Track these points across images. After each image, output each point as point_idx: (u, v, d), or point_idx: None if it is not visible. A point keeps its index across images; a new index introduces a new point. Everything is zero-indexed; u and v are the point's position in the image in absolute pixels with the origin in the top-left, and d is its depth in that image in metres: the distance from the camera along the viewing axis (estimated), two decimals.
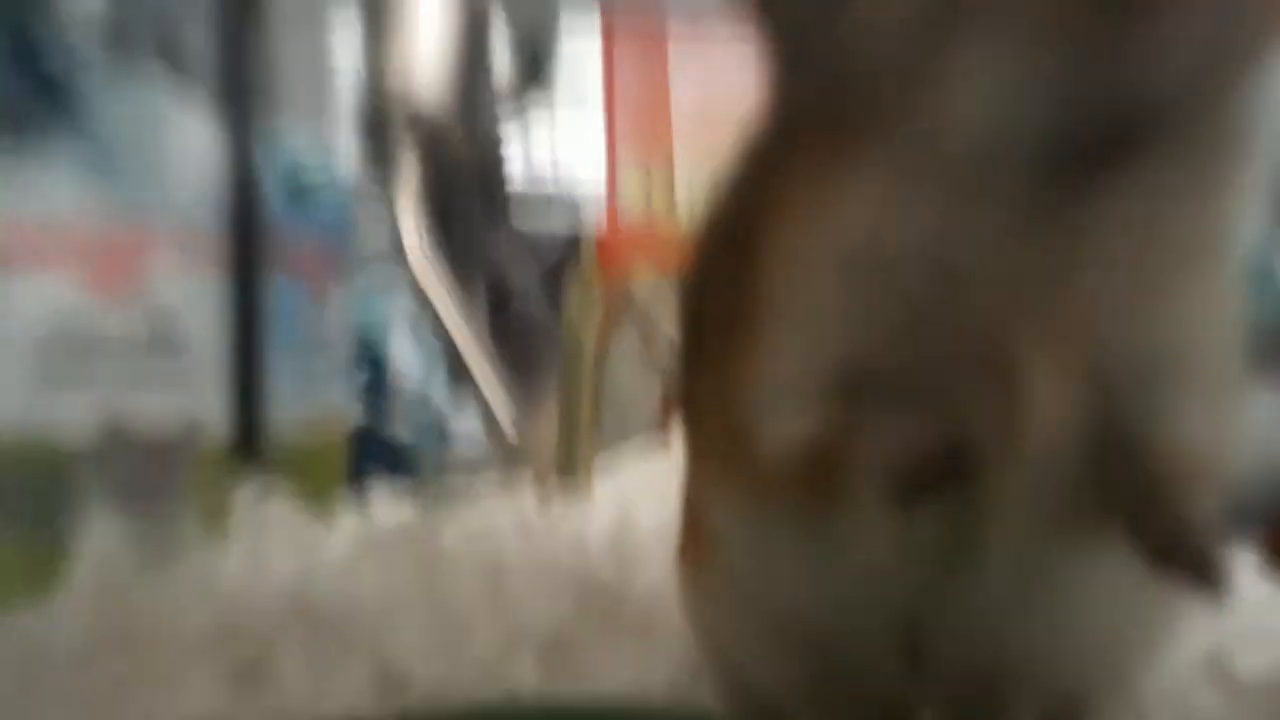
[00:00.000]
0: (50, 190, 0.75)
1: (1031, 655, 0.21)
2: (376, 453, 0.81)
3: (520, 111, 1.04)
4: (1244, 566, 0.42)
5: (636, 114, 0.59)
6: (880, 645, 0.21)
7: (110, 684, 0.29)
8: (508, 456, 0.84)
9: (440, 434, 0.92)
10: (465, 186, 1.00)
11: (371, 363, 0.92)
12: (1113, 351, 0.18)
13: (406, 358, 0.93)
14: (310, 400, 0.56)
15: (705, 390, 0.22)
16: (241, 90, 0.48)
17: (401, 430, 0.91)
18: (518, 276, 1.05)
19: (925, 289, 0.18)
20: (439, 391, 0.94)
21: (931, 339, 0.18)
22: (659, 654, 0.32)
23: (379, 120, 0.39)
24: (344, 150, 1.06)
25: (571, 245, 1.06)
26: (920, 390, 0.18)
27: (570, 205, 1.06)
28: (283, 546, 0.43)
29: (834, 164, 0.19)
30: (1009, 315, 0.18)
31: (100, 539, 0.34)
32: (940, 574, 0.20)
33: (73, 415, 0.50)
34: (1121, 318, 0.18)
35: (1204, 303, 0.19)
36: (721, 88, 0.60)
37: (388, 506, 0.48)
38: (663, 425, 0.61)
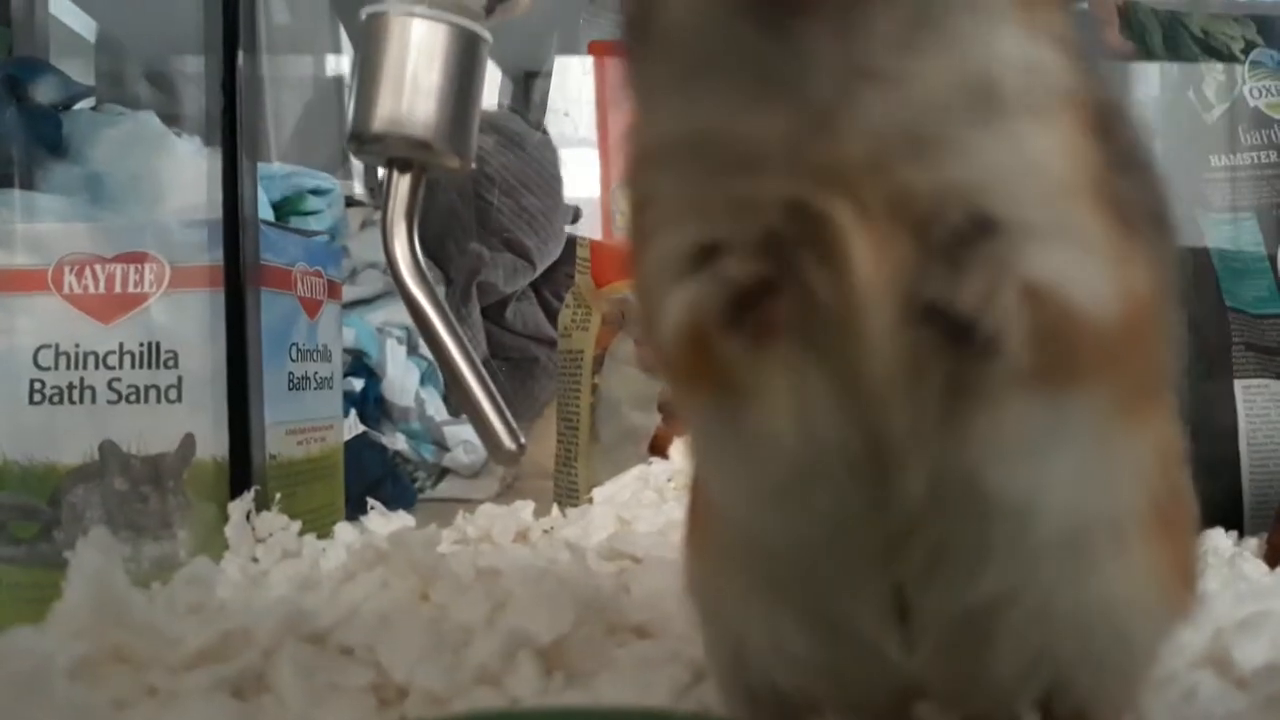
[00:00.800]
0: (44, 214, 0.75)
1: (1002, 590, 0.21)
2: (372, 463, 0.81)
3: (513, 130, 1.05)
4: (1246, 556, 0.42)
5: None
6: (866, 598, 0.21)
7: (109, 701, 0.28)
8: (505, 465, 0.84)
9: (436, 442, 0.92)
10: (458, 205, 1.01)
11: (366, 373, 0.92)
12: (921, 188, 0.18)
13: (400, 368, 0.93)
14: (304, 415, 0.56)
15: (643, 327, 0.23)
16: (233, 113, 0.48)
17: (396, 439, 0.91)
18: (513, 290, 1.05)
19: (714, 166, 0.19)
20: (434, 400, 0.94)
21: (746, 209, 0.19)
22: (658, 660, 0.31)
23: (369, 140, 0.39)
24: (337, 167, 1.07)
25: (568, 259, 1.07)
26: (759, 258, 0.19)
27: (566, 219, 1.06)
28: (279, 559, 0.43)
29: (636, 82, 0.20)
30: (798, 174, 0.18)
31: (97, 555, 0.34)
32: (869, 483, 0.20)
33: (69, 434, 0.50)
34: (911, 147, 0.18)
35: (1004, 135, 0.18)
36: None
37: (384, 516, 0.47)
38: (660, 432, 0.61)
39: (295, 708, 0.29)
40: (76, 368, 0.51)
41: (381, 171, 0.42)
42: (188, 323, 0.50)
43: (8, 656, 0.26)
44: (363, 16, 0.38)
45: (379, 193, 1.15)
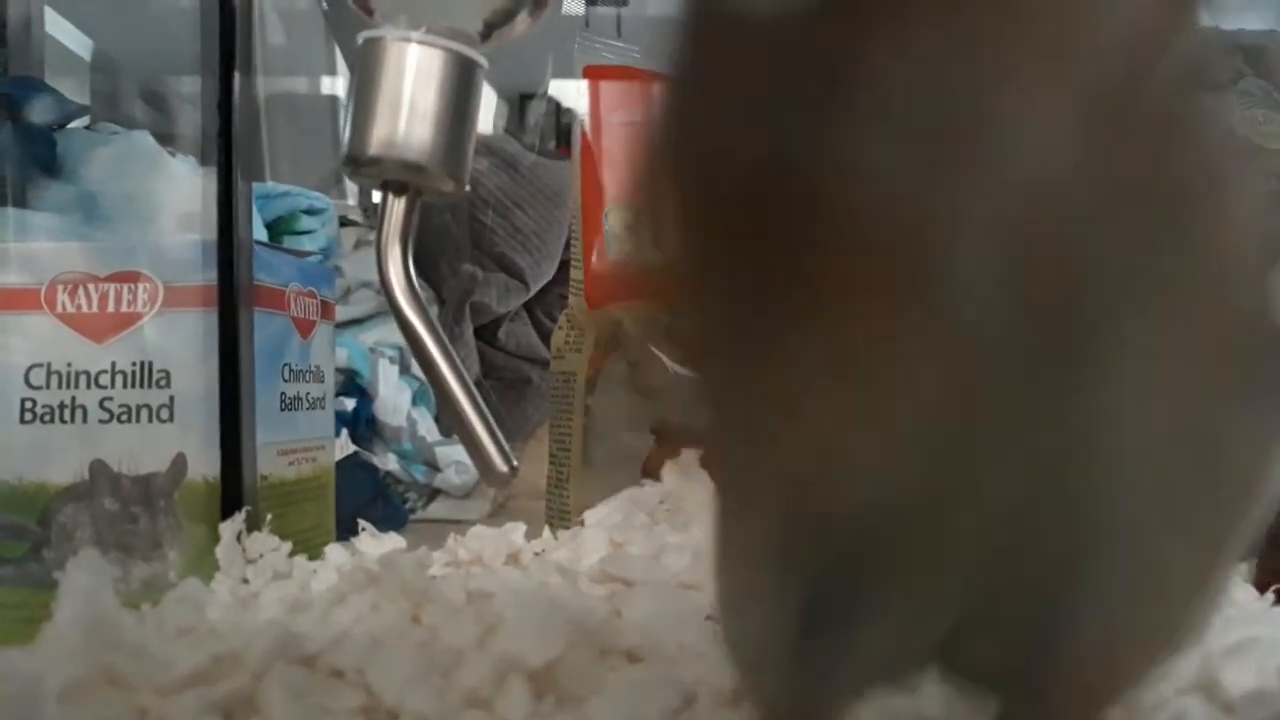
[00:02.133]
0: (37, 233, 0.75)
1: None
2: (364, 483, 0.81)
3: (508, 152, 1.06)
4: (1235, 581, 0.43)
5: (622, 151, 0.60)
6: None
7: None
8: (497, 487, 0.84)
9: (428, 463, 0.92)
10: (451, 225, 1.01)
11: (358, 393, 0.92)
12: None
13: (393, 388, 0.93)
14: (296, 435, 0.56)
15: None
16: (228, 134, 0.48)
17: (388, 460, 0.91)
18: (506, 310, 1.06)
19: None
20: (426, 421, 0.94)
21: None
22: (649, 684, 0.31)
23: (365, 163, 0.39)
24: (331, 187, 1.07)
25: (560, 279, 1.08)
26: None
27: (558, 240, 1.07)
28: (269, 581, 0.43)
29: None
30: None
31: (87, 577, 0.34)
32: None
33: (60, 453, 0.50)
34: None
35: None
36: None
37: (375, 538, 0.47)
38: (652, 455, 0.62)
39: None
40: (68, 387, 0.51)
41: (376, 193, 0.42)
42: (180, 342, 0.50)
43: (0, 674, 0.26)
44: (359, 41, 0.39)
45: (373, 213, 1.16)
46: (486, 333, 1.04)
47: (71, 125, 0.85)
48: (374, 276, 0.94)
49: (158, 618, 0.36)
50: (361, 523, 0.48)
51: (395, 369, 0.94)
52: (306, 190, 0.94)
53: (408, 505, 0.90)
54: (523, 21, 0.40)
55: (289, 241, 0.89)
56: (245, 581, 0.44)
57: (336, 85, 1.30)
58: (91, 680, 0.31)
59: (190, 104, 1.09)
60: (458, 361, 0.39)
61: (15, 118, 0.75)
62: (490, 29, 0.40)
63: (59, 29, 1.23)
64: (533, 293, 1.06)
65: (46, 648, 0.32)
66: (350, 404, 0.91)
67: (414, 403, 0.94)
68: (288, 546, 0.46)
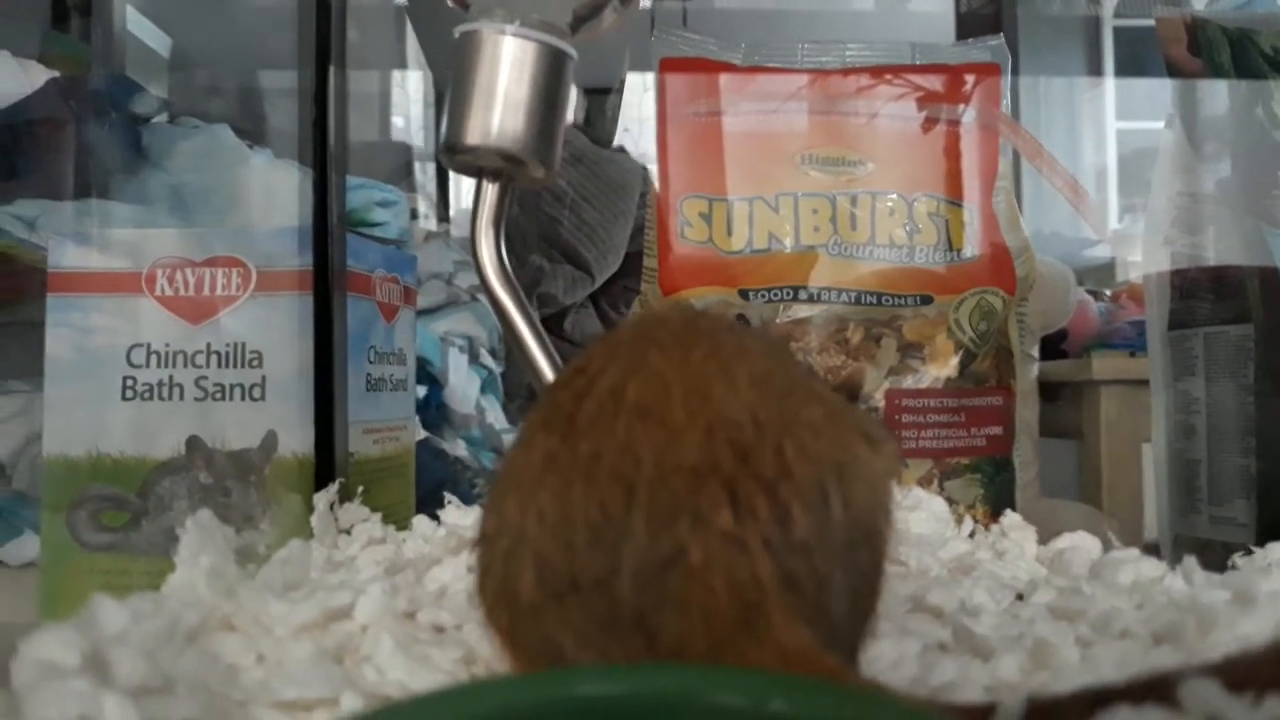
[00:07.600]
0: (124, 223, 0.78)
1: None
2: (434, 468, 0.83)
3: (576, 146, 1.07)
4: None
5: (691, 141, 0.61)
6: None
7: (225, 665, 0.30)
8: None
9: (496, 449, 0.94)
10: (520, 218, 1.03)
11: (428, 381, 0.95)
12: None
13: (462, 376, 0.96)
14: (380, 415, 0.58)
15: None
16: (323, 124, 0.50)
17: (457, 446, 0.93)
18: (572, 301, 1.07)
19: None
20: (494, 409, 0.96)
21: None
22: None
23: (461, 151, 0.41)
24: (401, 180, 1.10)
25: (625, 271, 1.09)
26: None
27: (623, 233, 1.08)
28: (365, 546, 0.45)
29: None
30: None
31: (204, 534, 0.36)
32: None
33: (158, 429, 0.52)
34: None
35: None
36: (770, 116, 0.62)
37: (459, 509, 0.49)
38: None
39: (394, 678, 0.31)
40: (166, 366, 0.53)
41: (462, 184, 0.44)
42: (272, 325, 0.53)
43: (145, 613, 0.28)
44: (455, 33, 0.40)
45: (440, 207, 1.18)
46: (553, 324, 1.06)
47: (154, 119, 0.88)
48: (444, 267, 0.97)
49: (266, 575, 0.38)
50: (447, 495, 0.50)
51: (465, 358, 0.96)
52: (379, 183, 0.97)
53: (475, 490, 0.92)
54: (610, 15, 0.42)
55: (374, 228, 0.92)
56: (340, 546, 0.46)
57: (406, 79, 1.32)
58: (212, 626, 0.33)
59: (267, 98, 1.12)
60: (548, 342, 0.41)
61: (111, 114, 0.78)
62: (579, 22, 0.41)
63: (139, 27, 1.27)
64: (598, 284, 1.08)
65: (172, 596, 0.34)
66: (421, 391, 0.94)
67: (483, 391, 0.96)
68: (379, 516, 0.48)
